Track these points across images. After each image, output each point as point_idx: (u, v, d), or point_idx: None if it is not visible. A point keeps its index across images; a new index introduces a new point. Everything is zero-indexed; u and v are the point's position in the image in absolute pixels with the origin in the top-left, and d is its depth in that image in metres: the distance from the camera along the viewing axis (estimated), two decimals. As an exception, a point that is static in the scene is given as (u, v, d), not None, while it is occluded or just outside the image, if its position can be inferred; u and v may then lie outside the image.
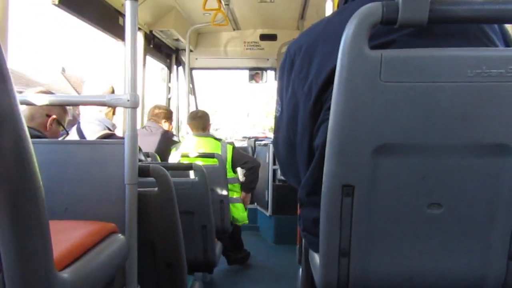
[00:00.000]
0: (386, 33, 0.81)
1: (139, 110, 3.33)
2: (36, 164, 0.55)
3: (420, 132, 0.73)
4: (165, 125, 3.14)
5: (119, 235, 0.98)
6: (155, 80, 4.21)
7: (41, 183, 0.56)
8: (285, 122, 1.00)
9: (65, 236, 0.78)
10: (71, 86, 21.22)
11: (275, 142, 1.11)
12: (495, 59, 0.70)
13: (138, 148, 1.21)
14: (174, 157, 2.76)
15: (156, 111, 3.13)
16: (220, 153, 2.78)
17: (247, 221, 3.06)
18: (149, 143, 2.83)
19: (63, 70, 23.07)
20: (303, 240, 1.10)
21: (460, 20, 0.71)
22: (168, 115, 3.20)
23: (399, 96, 0.72)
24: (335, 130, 0.75)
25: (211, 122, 3.15)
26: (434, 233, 0.80)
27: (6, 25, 1.49)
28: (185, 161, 2.59)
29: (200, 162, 2.62)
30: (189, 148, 2.80)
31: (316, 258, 0.94)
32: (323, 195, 0.80)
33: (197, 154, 2.67)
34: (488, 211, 0.77)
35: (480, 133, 0.73)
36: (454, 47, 0.75)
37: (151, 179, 1.35)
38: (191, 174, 2.15)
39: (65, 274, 0.64)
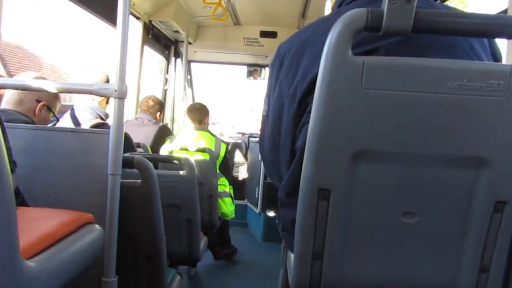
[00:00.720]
0: (373, 40, 0.81)
1: (133, 101, 3.33)
2: (5, 152, 0.54)
3: (398, 140, 0.73)
4: (158, 116, 3.15)
5: (96, 225, 0.97)
6: (152, 71, 4.19)
7: (9, 171, 0.55)
8: (271, 122, 1.00)
9: (37, 224, 0.78)
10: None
11: (260, 141, 1.12)
12: (477, 72, 0.70)
13: (123, 139, 1.20)
14: (166, 149, 2.76)
15: (151, 103, 3.11)
16: (213, 148, 2.78)
17: (233, 215, 3.07)
18: (140, 134, 2.82)
19: (-2, 35, 19.91)
20: None
21: (444, 31, 0.70)
22: (161, 107, 3.21)
23: (379, 104, 0.72)
24: (314, 134, 0.75)
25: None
26: (408, 242, 0.80)
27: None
28: (183, 154, 2.59)
29: (199, 156, 2.62)
30: (183, 141, 2.80)
31: (292, 258, 0.94)
32: (300, 197, 0.80)
33: (190, 148, 2.67)
34: (461, 223, 0.78)
35: (457, 145, 0.73)
36: (438, 58, 0.75)
37: (136, 170, 1.34)
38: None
39: (31, 263, 0.64)
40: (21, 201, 1.08)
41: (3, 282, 0.57)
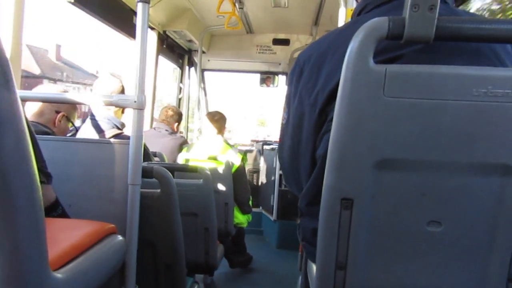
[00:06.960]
0: (396, 48, 0.81)
1: (148, 111, 3.36)
2: (35, 165, 0.55)
3: (421, 149, 0.73)
4: (175, 127, 3.17)
5: (118, 236, 0.98)
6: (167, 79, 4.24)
7: (39, 184, 0.56)
8: (291, 130, 1.00)
9: (62, 235, 0.79)
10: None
11: (280, 149, 1.11)
12: (502, 79, 0.69)
13: (143, 149, 1.22)
14: (183, 157, 2.77)
15: (170, 113, 3.13)
16: (229, 157, 2.78)
17: (246, 224, 3.07)
18: (157, 145, 2.84)
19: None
20: None
21: (466, 38, 0.70)
22: (179, 118, 3.22)
23: (402, 112, 0.71)
24: (336, 143, 0.74)
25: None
26: (433, 251, 0.79)
27: (21, 30, 1.52)
28: (199, 162, 2.61)
29: (214, 164, 2.63)
30: (201, 150, 2.81)
31: (313, 268, 0.93)
32: (322, 206, 0.80)
33: (207, 156, 2.68)
34: (488, 231, 0.76)
35: (483, 153, 0.72)
36: (462, 65, 0.74)
37: (155, 180, 1.36)
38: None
39: (59, 274, 0.65)
40: (61, 212, 1.10)
41: (33, 294, 0.58)
